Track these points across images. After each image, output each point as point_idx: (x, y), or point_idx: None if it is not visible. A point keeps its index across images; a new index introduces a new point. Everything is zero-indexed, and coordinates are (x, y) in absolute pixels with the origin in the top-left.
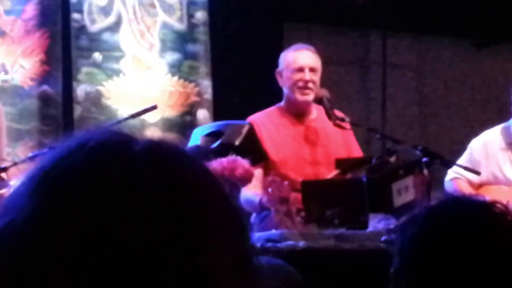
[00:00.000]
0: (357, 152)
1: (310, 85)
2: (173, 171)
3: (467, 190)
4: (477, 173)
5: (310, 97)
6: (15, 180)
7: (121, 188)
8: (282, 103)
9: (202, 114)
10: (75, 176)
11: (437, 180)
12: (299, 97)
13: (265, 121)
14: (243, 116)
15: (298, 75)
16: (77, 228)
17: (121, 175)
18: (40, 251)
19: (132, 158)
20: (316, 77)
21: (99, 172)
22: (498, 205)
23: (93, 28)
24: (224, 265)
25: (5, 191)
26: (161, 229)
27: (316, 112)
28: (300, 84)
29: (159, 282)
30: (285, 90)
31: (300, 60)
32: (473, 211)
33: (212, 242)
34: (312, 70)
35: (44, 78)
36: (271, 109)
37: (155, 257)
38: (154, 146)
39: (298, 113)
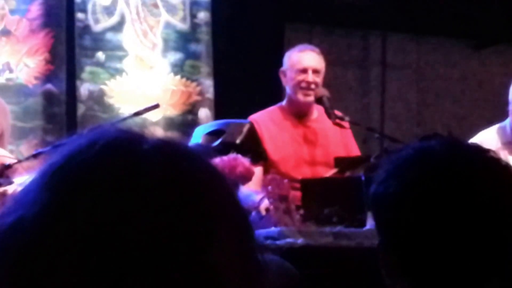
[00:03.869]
0: (355, 151)
1: (312, 86)
2: (181, 169)
3: None
4: None
5: (311, 98)
6: (18, 178)
7: (130, 185)
8: (284, 103)
9: (204, 113)
10: (85, 174)
11: None
12: (301, 97)
13: (266, 120)
14: (244, 115)
15: (301, 76)
16: (85, 225)
17: (130, 173)
18: (48, 247)
19: (141, 156)
20: (319, 79)
21: (108, 170)
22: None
23: (96, 27)
24: (231, 262)
25: (9, 188)
26: (169, 226)
27: (317, 113)
28: (303, 85)
29: (166, 278)
30: (288, 90)
31: (304, 61)
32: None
33: (219, 240)
34: (315, 71)
35: (48, 77)
36: (273, 108)
37: (164, 254)
38: (163, 144)
39: (299, 113)
